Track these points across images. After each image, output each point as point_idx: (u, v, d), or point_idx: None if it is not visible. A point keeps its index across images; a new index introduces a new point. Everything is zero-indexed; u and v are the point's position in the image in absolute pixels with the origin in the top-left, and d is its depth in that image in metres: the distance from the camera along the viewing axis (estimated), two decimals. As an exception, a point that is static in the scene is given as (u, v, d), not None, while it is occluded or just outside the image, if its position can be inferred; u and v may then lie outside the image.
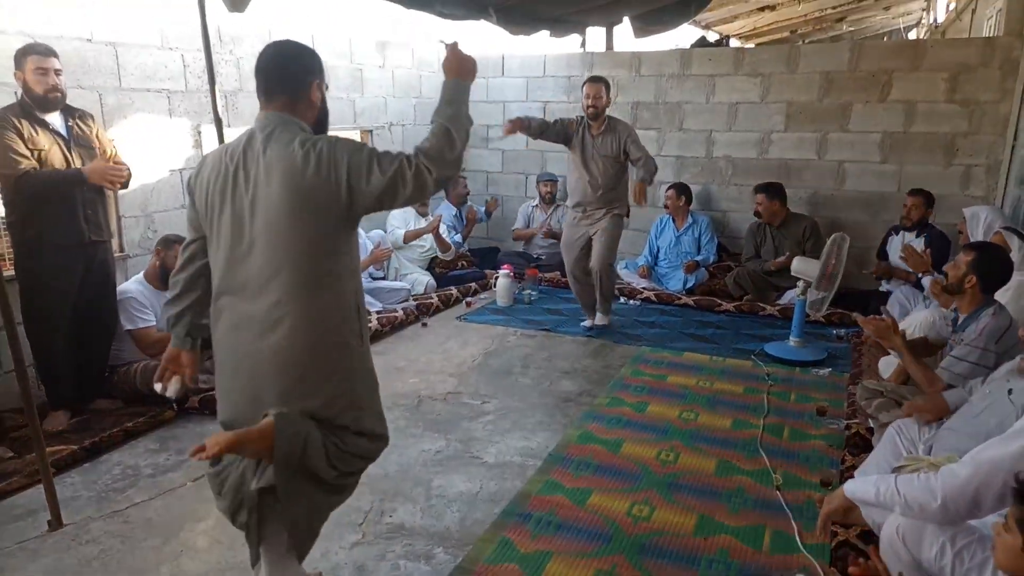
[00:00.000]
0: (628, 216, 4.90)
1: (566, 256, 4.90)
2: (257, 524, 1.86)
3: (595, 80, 4.60)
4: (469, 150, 7.07)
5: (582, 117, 4.67)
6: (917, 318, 3.65)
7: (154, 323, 3.61)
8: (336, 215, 1.79)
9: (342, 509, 2.66)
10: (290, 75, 1.85)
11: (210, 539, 2.53)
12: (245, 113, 4.61)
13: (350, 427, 1.91)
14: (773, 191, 5.36)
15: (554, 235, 6.14)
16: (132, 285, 3.63)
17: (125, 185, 3.41)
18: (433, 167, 1.79)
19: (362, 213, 1.85)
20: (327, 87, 1.98)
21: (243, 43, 4.54)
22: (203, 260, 1.97)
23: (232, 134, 4.42)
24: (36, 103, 3.12)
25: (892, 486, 1.87)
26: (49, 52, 3.11)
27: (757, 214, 5.43)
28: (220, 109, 3.22)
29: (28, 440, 3.02)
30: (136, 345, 3.59)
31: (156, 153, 4.04)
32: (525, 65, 6.61)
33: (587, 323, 4.94)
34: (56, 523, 2.59)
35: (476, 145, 7.03)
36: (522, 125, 4.46)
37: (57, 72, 3.13)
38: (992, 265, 2.75)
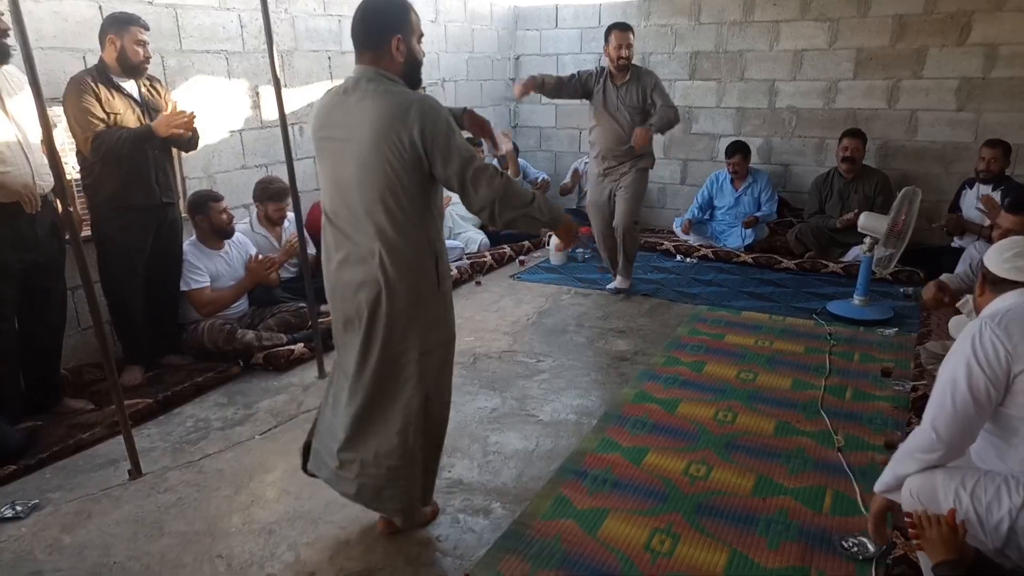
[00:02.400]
0: (653, 167, 4.69)
1: (594, 218, 4.74)
2: None
3: (623, 28, 4.36)
4: (523, 105, 6.98)
5: (602, 68, 4.49)
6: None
7: (207, 283, 3.70)
8: (413, 173, 1.97)
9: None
10: (371, 32, 2.01)
11: (278, 490, 2.65)
12: (302, 72, 4.64)
13: None
14: (862, 136, 5.13)
15: None
16: (185, 246, 3.70)
17: (194, 144, 3.50)
18: (509, 201, 2.00)
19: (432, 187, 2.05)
20: (421, 37, 2.10)
21: (297, 1, 4.53)
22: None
23: (289, 94, 4.52)
24: (125, 70, 3.23)
25: (899, 455, 1.92)
26: (146, 25, 3.24)
27: (848, 159, 5.13)
28: (277, 69, 3.25)
29: (107, 393, 3.18)
30: (191, 304, 3.68)
31: (216, 115, 4.11)
32: (579, 15, 6.44)
33: (612, 284, 4.79)
34: (136, 472, 2.74)
35: (530, 100, 6.93)
36: (535, 84, 4.30)
37: (147, 43, 3.25)
38: None
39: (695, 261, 5.45)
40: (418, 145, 1.91)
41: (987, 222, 4.35)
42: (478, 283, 5.08)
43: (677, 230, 5.83)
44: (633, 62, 4.43)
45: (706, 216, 5.81)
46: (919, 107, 5.31)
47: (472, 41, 6.28)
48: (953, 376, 1.80)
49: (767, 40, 5.71)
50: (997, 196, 4.48)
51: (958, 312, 3.68)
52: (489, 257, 5.37)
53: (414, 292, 2.07)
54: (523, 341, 4.02)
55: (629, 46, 4.34)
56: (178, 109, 3.33)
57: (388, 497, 2.23)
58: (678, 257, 5.53)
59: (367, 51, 2.02)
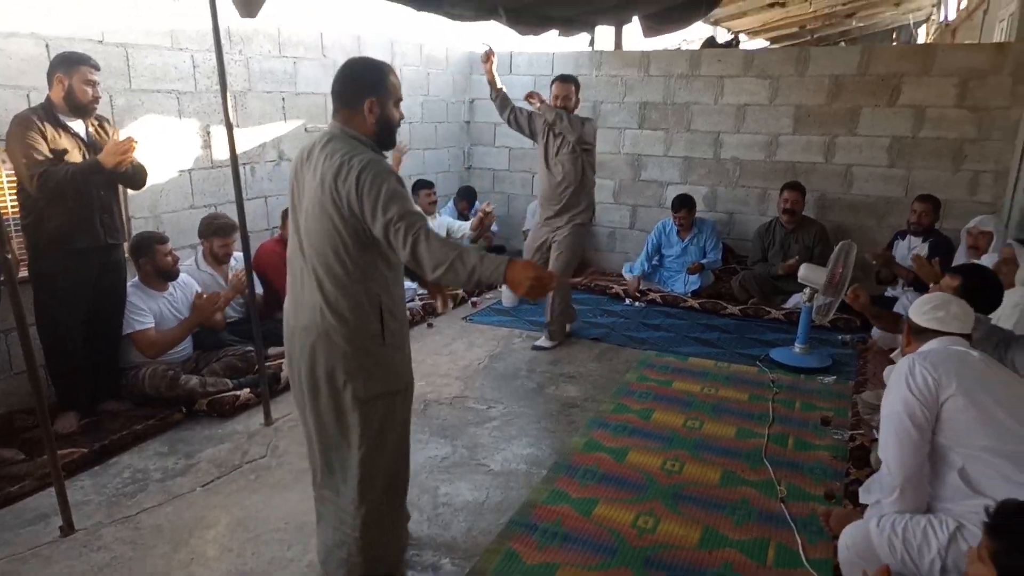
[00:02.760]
0: (592, 222, 4.71)
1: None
2: None
3: (565, 80, 4.45)
4: (476, 148, 7.07)
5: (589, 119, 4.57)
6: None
7: (151, 324, 3.61)
8: (353, 230, 2.00)
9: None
10: (346, 92, 2.09)
11: (220, 547, 2.56)
12: (255, 113, 4.61)
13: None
14: (802, 188, 5.36)
15: None
16: (128, 288, 3.60)
17: (142, 180, 3.43)
18: (422, 263, 1.92)
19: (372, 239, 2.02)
20: (399, 101, 2.16)
21: (252, 43, 4.53)
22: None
23: (241, 134, 4.49)
24: (73, 109, 3.17)
25: (871, 511, 2.16)
26: (96, 65, 3.20)
27: (788, 211, 5.35)
28: (229, 109, 3.23)
29: (38, 441, 3.06)
30: (136, 348, 3.59)
31: (165, 154, 4.05)
32: (533, 63, 6.59)
33: (537, 342, 4.67)
34: (68, 528, 2.62)
35: (483, 143, 7.03)
36: (496, 85, 4.53)
37: (97, 83, 3.20)
38: (980, 292, 2.67)
39: (643, 305, 5.56)
40: (354, 201, 1.94)
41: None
42: (430, 325, 5.07)
43: (627, 275, 5.95)
44: (579, 112, 4.52)
45: (655, 262, 5.94)
46: (854, 162, 5.58)
47: (428, 84, 6.36)
48: (892, 409, 2.02)
49: (712, 94, 5.94)
50: (924, 249, 4.72)
51: (892, 362, 3.85)
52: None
53: (352, 344, 2.07)
54: (474, 387, 4.02)
55: (568, 97, 4.39)
56: (117, 134, 3.26)
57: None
58: (627, 301, 5.63)
59: (342, 109, 2.09)
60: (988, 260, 4.00)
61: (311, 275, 2.07)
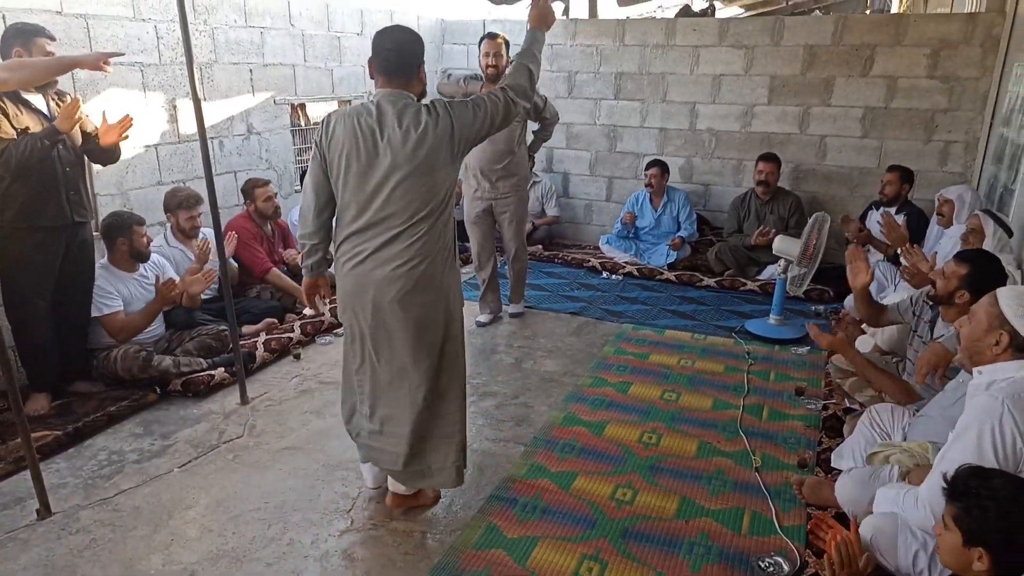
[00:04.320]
0: (530, 184, 4.59)
1: (473, 234, 4.53)
2: None
3: (492, 37, 4.24)
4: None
5: (480, 78, 4.35)
6: (893, 299, 3.71)
7: (120, 307, 3.55)
8: (448, 157, 2.35)
9: (330, 495, 2.73)
10: (408, 61, 2.36)
11: (200, 527, 2.56)
12: (222, 86, 4.50)
13: None
14: (777, 160, 5.39)
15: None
16: (96, 269, 3.53)
17: (116, 156, 3.37)
18: (519, 99, 2.48)
19: (468, 149, 2.44)
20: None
21: (217, 12, 4.40)
22: (331, 209, 2.45)
23: (209, 108, 4.38)
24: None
25: (901, 507, 1.99)
26: (52, 36, 3.09)
27: (763, 183, 5.38)
28: (196, 82, 3.15)
29: (11, 425, 3.00)
30: (105, 330, 3.53)
31: (131, 129, 3.93)
32: (507, 32, 6.35)
33: (482, 318, 4.61)
34: (45, 511, 2.59)
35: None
36: None
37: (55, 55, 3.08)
38: (986, 280, 2.51)
39: (620, 278, 5.58)
40: (467, 127, 2.39)
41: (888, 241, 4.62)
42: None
43: (603, 247, 5.97)
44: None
45: (630, 234, 5.97)
46: (828, 133, 5.62)
47: (400, 54, 6.23)
48: (962, 459, 1.74)
49: (688, 64, 5.91)
50: (900, 219, 4.77)
51: (863, 332, 3.91)
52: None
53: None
54: (452, 362, 4.01)
55: (499, 55, 4.20)
56: (76, 101, 3.17)
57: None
58: (604, 274, 5.65)
59: (400, 77, 2.35)
60: (956, 230, 4.07)
61: (414, 225, 2.33)
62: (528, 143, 4.56)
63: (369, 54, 2.38)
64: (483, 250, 4.56)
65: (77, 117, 3.10)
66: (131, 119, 3.28)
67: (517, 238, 4.53)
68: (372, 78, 2.41)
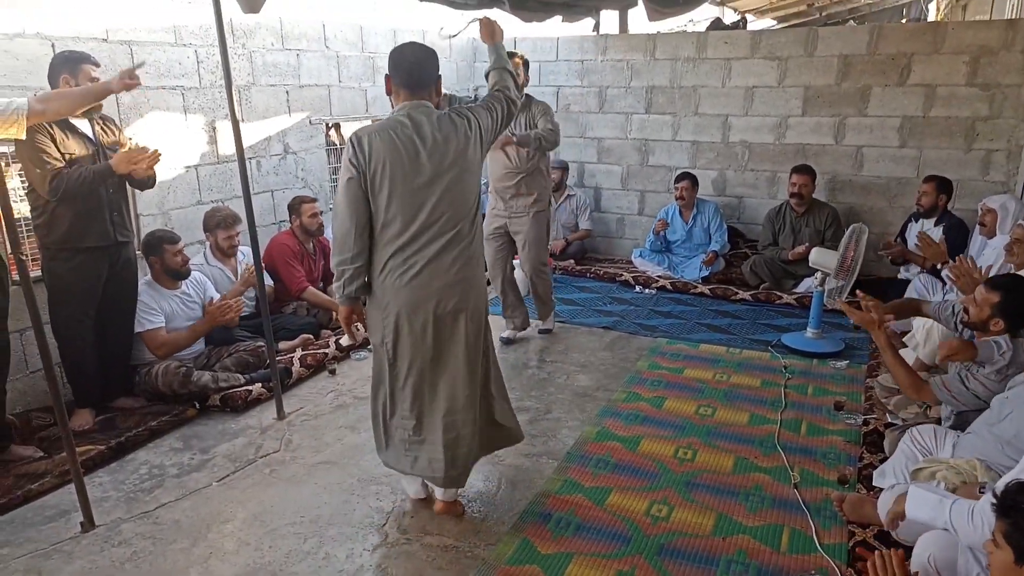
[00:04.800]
0: (552, 204, 4.53)
1: (486, 248, 4.40)
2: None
3: (510, 56, 4.19)
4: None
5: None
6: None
7: (162, 324, 3.64)
8: (478, 159, 2.54)
9: (365, 510, 2.74)
10: (430, 74, 2.50)
11: (237, 541, 2.59)
12: (259, 107, 4.61)
13: None
14: (811, 171, 5.31)
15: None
16: (140, 286, 3.63)
17: (151, 183, 3.45)
18: (513, 97, 2.70)
19: (487, 150, 2.63)
20: None
21: (255, 36, 4.52)
22: (370, 229, 2.45)
23: (247, 128, 4.49)
24: None
25: (947, 517, 1.90)
26: (97, 62, 3.19)
27: (796, 195, 5.30)
28: (234, 104, 3.23)
29: (56, 440, 3.09)
30: (146, 346, 3.62)
31: (172, 151, 4.04)
32: (537, 48, 6.54)
33: (506, 334, 4.57)
34: (88, 524, 2.66)
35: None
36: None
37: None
38: (1020, 306, 2.53)
39: (654, 292, 5.53)
40: (487, 126, 2.58)
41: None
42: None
43: (636, 261, 5.94)
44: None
45: (663, 247, 5.94)
46: (864, 143, 5.53)
47: (432, 73, 6.31)
48: None
49: (719, 76, 5.88)
50: (938, 232, 4.66)
51: (904, 345, 3.83)
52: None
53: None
54: (485, 377, 4.02)
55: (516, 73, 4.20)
56: (138, 146, 3.28)
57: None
58: (637, 288, 5.61)
59: (424, 89, 2.48)
60: (999, 240, 3.97)
61: (464, 228, 2.48)
62: (547, 165, 4.45)
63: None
64: (493, 266, 4.55)
65: (135, 162, 3.20)
66: (159, 153, 3.28)
67: (531, 262, 4.44)
68: (388, 94, 2.52)
